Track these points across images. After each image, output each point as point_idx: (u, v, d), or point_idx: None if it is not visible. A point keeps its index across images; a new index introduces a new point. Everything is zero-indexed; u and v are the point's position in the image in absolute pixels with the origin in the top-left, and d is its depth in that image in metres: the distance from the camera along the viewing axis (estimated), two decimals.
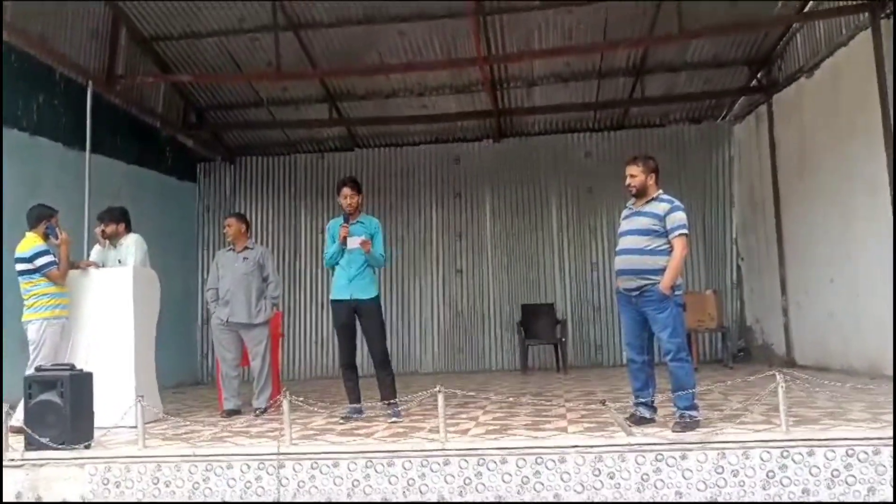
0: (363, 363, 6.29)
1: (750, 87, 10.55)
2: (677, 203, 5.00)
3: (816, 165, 8.70)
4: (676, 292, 4.93)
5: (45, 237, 6.17)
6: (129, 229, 6.83)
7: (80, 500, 4.75)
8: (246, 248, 6.98)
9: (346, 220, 6.09)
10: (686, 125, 11.61)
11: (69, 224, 6.68)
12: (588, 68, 10.32)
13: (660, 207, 4.98)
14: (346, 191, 6.14)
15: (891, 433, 4.26)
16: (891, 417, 4.81)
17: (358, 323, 6.12)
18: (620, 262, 5.06)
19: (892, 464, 4.14)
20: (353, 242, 5.96)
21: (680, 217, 4.93)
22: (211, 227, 11.93)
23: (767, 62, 10.05)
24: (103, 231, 6.74)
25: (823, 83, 8.54)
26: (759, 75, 10.33)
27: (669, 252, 4.91)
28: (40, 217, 6.21)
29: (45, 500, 4.79)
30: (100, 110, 8.33)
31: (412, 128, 11.71)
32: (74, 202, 7.49)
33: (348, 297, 6.04)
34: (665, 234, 4.92)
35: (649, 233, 4.94)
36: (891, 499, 4.11)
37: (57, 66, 8.41)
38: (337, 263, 6.12)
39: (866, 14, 7.47)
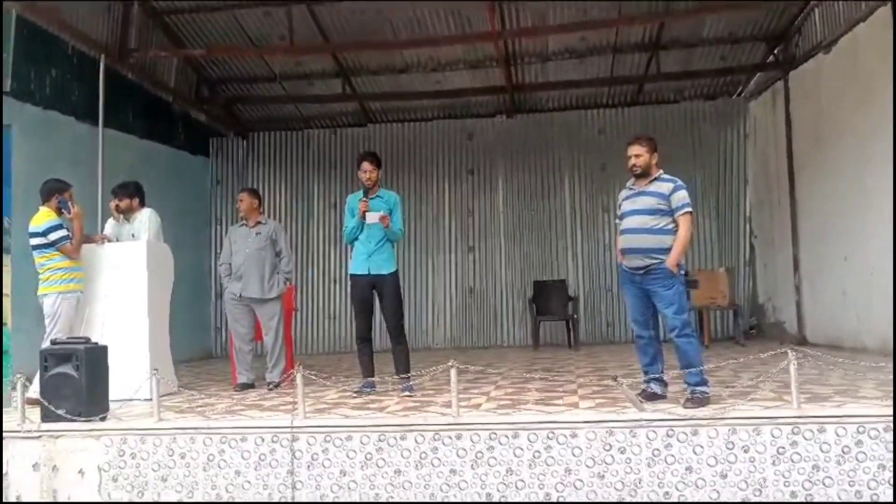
0: (378, 338, 6.34)
1: (766, 63, 10.44)
2: (680, 182, 5.06)
3: (832, 143, 8.62)
4: (681, 271, 4.97)
5: (59, 211, 6.21)
6: (142, 204, 6.87)
7: (97, 471, 4.82)
8: (258, 223, 7.01)
9: (366, 195, 6.12)
10: (701, 102, 11.52)
11: (82, 198, 6.74)
12: (603, 44, 10.23)
13: (664, 187, 5.03)
14: (366, 165, 6.16)
15: None
16: None
17: (376, 297, 6.17)
18: (626, 241, 5.09)
19: None
20: (373, 217, 6.00)
21: (684, 195, 4.99)
22: (223, 201, 11.95)
23: (784, 38, 9.93)
24: (117, 205, 6.78)
25: (841, 59, 8.43)
26: (775, 51, 10.21)
27: (674, 231, 4.96)
28: (52, 191, 6.25)
29: (61, 470, 4.87)
30: (112, 84, 8.34)
31: (425, 103, 11.67)
32: (88, 176, 7.54)
33: (367, 272, 6.09)
34: (671, 212, 4.97)
35: (656, 212, 4.98)
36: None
37: (69, 40, 8.40)
38: (356, 238, 6.16)
39: None
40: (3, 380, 6.21)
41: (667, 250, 4.91)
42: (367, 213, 6.03)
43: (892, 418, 4.20)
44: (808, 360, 4.92)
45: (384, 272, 6.10)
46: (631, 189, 5.20)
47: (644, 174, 5.09)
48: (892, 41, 7.13)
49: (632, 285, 5.13)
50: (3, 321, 7.13)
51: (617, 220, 5.33)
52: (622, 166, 11.11)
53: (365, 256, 6.11)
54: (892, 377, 5.62)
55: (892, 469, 4.14)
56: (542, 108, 11.87)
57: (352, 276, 6.23)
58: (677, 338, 4.89)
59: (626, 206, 5.18)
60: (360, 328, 6.22)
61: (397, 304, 6.20)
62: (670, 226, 4.97)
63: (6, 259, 7.20)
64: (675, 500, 4.29)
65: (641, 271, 5.00)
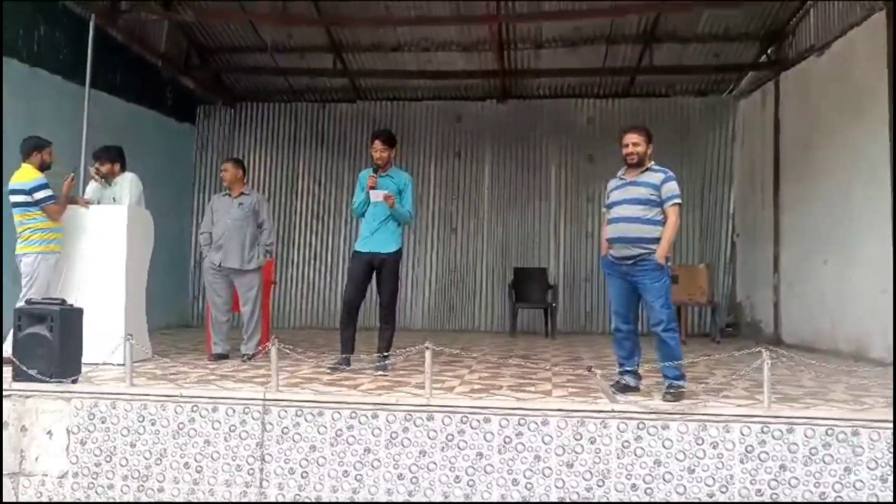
0: (363, 316, 6.35)
1: (759, 62, 10.45)
2: (671, 173, 5.07)
3: (819, 146, 8.65)
4: (668, 263, 4.97)
5: (41, 168, 6.14)
6: (123, 168, 6.80)
7: (66, 433, 4.80)
8: (242, 193, 6.97)
9: (376, 172, 6.13)
10: (691, 97, 11.51)
11: (65, 158, 6.67)
12: (597, 33, 10.18)
13: (655, 177, 5.03)
14: (378, 144, 6.20)
15: (871, 416, 4.32)
16: (872, 400, 4.87)
17: (375, 275, 6.20)
18: (615, 230, 5.06)
19: (868, 445, 4.20)
20: (377, 196, 6.02)
21: (675, 187, 5.01)
22: (208, 170, 11.85)
23: (778, 38, 9.93)
24: (98, 170, 6.71)
25: (833, 63, 8.45)
26: (769, 51, 10.22)
27: (663, 222, 4.97)
28: (32, 148, 6.17)
29: (30, 430, 4.84)
30: (101, 45, 8.19)
31: (415, 83, 11.58)
32: (71, 136, 7.43)
33: (367, 250, 6.12)
34: (660, 203, 4.97)
35: (647, 202, 4.97)
36: (890, 497, 4.18)
37: None
38: (363, 214, 6.19)
39: None
40: None
41: (655, 240, 4.91)
42: (371, 191, 6.03)
43: (867, 422, 4.26)
44: (781, 360, 4.97)
45: (383, 251, 6.12)
46: (621, 179, 5.18)
47: (638, 164, 5.07)
48: (885, 46, 7.14)
49: (617, 277, 5.11)
50: None
51: (604, 209, 5.31)
52: (609, 158, 11.15)
53: (368, 234, 6.16)
54: (863, 381, 5.70)
55: (857, 473, 4.19)
56: (533, 95, 11.82)
57: (354, 252, 6.28)
58: (662, 332, 4.89)
59: (616, 195, 5.15)
60: (347, 304, 6.23)
61: (392, 285, 6.23)
62: (659, 216, 4.97)
63: None
64: (643, 492, 4.33)
65: (630, 262, 4.98)
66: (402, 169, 6.53)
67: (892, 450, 4.17)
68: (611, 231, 5.11)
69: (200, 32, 10.78)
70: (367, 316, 6.44)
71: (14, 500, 4.81)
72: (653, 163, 5.13)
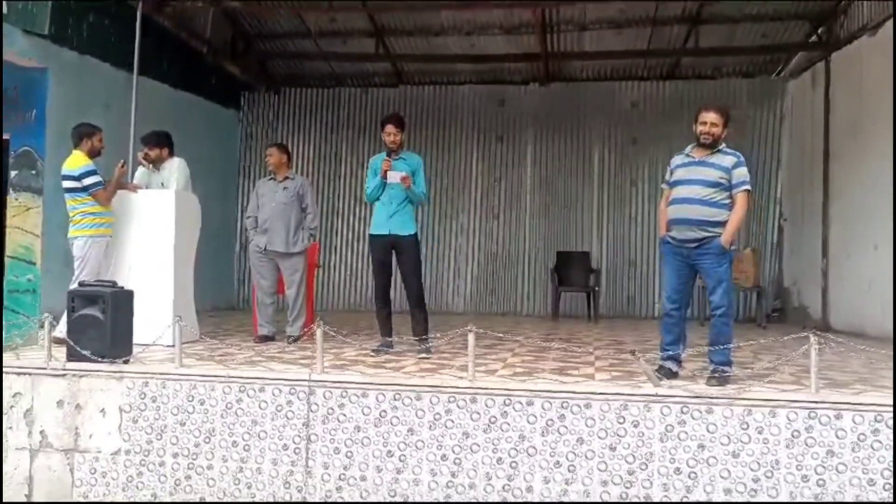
0: (398, 300, 6.39)
1: (809, 42, 10.21)
2: (742, 157, 4.93)
3: (871, 129, 8.44)
4: (732, 247, 4.88)
5: (91, 155, 6.29)
6: (171, 153, 6.93)
7: (118, 412, 4.93)
8: (286, 178, 7.06)
9: (389, 156, 6.15)
10: (738, 79, 11.29)
11: (114, 144, 6.83)
12: (642, 15, 10.04)
13: (726, 160, 4.89)
14: (390, 128, 6.19)
15: None
16: None
17: (395, 259, 6.19)
18: (678, 211, 4.92)
19: None
20: (394, 177, 6.03)
21: (745, 172, 4.87)
22: (253, 155, 12.00)
23: (829, 18, 9.69)
24: (146, 155, 6.84)
25: (886, 43, 8.23)
26: (819, 31, 9.98)
27: (730, 206, 4.84)
28: (82, 135, 6.33)
29: (84, 409, 4.99)
30: (149, 33, 8.34)
31: (458, 67, 11.56)
32: (120, 122, 7.60)
33: (386, 233, 6.12)
34: (729, 187, 4.84)
35: (716, 185, 4.84)
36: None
37: None
38: (378, 199, 6.18)
39: None
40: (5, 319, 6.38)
41: (721, 224, 4.80)
42: (388, 173, 6.05)
43: (892, 409, 4.19)
44: (829, 345, 4.89)
45: (403, 233, 6.13)
46: (689, 157, 5.02)
47: (711, 144, 4.93)
48: None
49: (676, 259, 5.00)
50: (33, 260, 7.28)
51: (664, 186, 5.16)
52: (654, 141, 11.05)
53: (385, 217, 6.14)
54: None
55: None
56: (576, 78, 11.71)
57: (371, 236, 6.26)
58: (720, 316, 4.84)
59: (681, 173, 5.00)
60: (379, 289, 6.28)
61: (416, 267, 6.23)
62: (727, 200, 4.84)
63: (38, 200, 7.32)
64: (686, 476, 4.31)
65: (693, 244, 4.87)
66: (414, 151, 6.55)
67: None
68: (673, 212, 4.96)
69: (245, 19, 10.88)
70: (399, 302, 6.47)
71: (69, 476, 4.97)
72: (724, 144, 4.98)
